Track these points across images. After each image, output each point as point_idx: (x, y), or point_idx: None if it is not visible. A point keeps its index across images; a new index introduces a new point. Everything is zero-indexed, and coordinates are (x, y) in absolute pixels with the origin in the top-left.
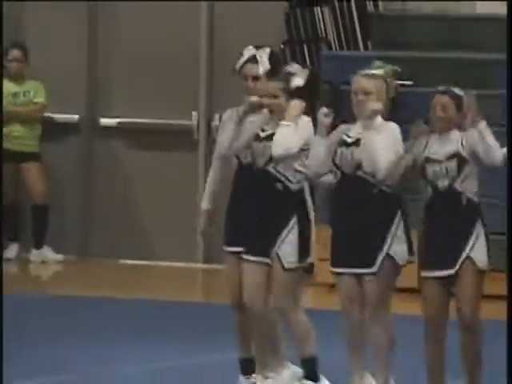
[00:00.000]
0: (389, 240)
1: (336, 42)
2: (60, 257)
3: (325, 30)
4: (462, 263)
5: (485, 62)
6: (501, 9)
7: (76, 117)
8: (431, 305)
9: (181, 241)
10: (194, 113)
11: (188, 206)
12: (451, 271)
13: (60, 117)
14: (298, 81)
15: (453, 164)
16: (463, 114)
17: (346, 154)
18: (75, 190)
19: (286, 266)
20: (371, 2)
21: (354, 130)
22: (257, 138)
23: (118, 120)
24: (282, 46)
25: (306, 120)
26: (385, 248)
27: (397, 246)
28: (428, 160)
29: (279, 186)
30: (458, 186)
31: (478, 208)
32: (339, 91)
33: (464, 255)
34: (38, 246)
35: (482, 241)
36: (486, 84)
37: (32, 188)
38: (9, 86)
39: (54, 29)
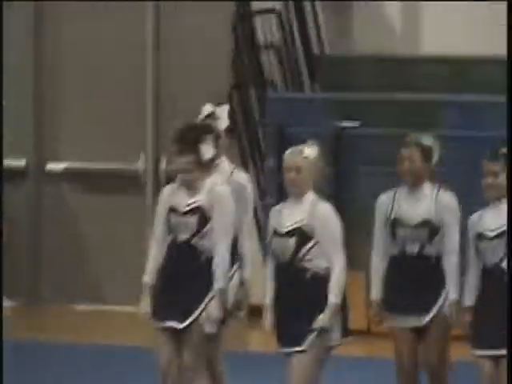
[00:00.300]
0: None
1: (282, 84)
2: (9, 304)
3: (271, 72)
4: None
5: (429, 102)
6: (445, 50)
7: (23, 162)
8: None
9: (130, 285)
10: (141, 156)
11: (136, 249)
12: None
13: (7, 162)
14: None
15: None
16: None
17: (281, 244)
18: (24, 236)
19: (207, 330)
20: (317, 45)
21: (286, 213)
22: (177, 212)
23: (65, 164)
24: (229, 90)
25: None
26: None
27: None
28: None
29: (203, 258)
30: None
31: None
32: (285, 134)
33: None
34: None
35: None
36: (430, 124)
37: None
38: None
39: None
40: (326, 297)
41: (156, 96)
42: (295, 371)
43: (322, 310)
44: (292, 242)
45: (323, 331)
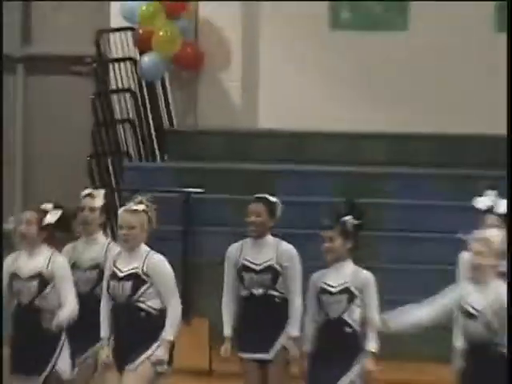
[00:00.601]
0: None
1: (136, 154)
2: None
3: (126, 144)
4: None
5: (265, 172)
6: (280, 125)
7: None
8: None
9: None
10: (10, 217)
11: None
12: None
13: None
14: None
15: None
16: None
17: (118, 287)
18: None
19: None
20: (167, 120)
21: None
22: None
23: None
24: (88, 159)
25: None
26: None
27: None
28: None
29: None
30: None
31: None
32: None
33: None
34: None
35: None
36: (267, 191)
37: None
38: None
39: None
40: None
41: (25, 159)
42: None
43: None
44: (128, 285)
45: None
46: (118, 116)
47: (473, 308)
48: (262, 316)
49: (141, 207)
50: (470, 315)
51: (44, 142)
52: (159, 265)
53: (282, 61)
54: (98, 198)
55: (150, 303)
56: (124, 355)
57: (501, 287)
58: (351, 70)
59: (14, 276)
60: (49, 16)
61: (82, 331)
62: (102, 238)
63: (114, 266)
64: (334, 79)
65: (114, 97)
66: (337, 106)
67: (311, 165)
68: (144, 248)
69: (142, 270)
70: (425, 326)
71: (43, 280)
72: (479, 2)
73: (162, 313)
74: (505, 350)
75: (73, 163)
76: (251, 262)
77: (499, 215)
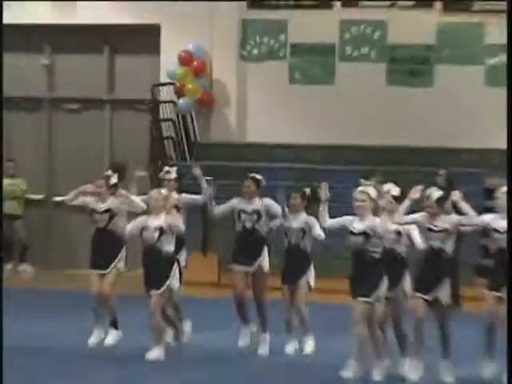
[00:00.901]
0: None
1: (176, 157)
2: None
3: (170, 151)
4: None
5: (248, 167)
6: (261, 139)
7: None
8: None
9: None
10: None
11: None
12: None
13: None
14: None
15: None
16: None
17: None
18: None
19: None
20: (193, 136)
21: None
22: None
23: None
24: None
25: None
26: None
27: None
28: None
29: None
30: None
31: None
32: None
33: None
34: None
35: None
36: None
37: None
38: None
39: None
40: None
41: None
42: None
43: None
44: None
45: None
46: (164, 135)
47: (354, 228)
48: (251, 241)
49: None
50: (353, 233)
51: (125, 151)
52: None
53: (260, 102)
54: (173, 173)
55: None
56: None
57: (373, 220)
58: (301, 108)
59: (144, 228)
60: (124, 71)
61: None
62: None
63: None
64: (292, 115)
65: (162, 124)
66: (293, 129)
67: (277, 163)
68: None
69: None
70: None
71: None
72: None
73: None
74: (377, 256)
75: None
76: (245, 209)
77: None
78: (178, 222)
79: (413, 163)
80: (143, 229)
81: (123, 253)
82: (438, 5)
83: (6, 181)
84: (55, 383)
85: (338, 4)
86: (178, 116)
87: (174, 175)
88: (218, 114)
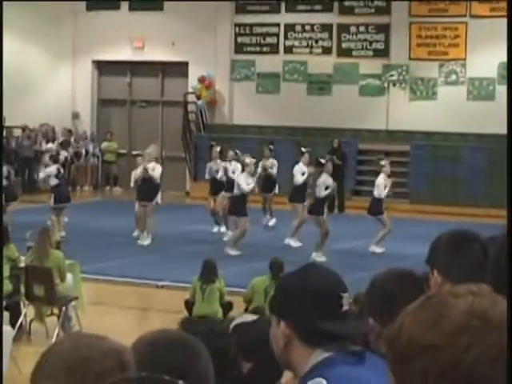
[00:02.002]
0: None
1: (197, 132)
2: None
3: (194, 129)
4: None
5: (231, 138)
6: (241, 122)
7: None
8: None
9: None
10: None
11: None
12: None
13: None
14: None
15: None
16: None
17: None
18: None
19: None
20: (206, 120)
21: None
22: None
23: None
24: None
25: None
26: None
27: None
28: None
29: None
30: None
31: None
32: None
33: None
34: None
35: None
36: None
37: None
38: None
39: None
40: None
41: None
42: None
43: None
44: None
45: None
46: (190, 120)
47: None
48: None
49: None
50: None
51: (169, 129)
52: None
53: (240, 103)
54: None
55: None
56: None
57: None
58: (262, 107)
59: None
60: (170, 85)
61: None
62: None
63: None
64: (257, 111)
65: (189, 114)
66: (257, 118)
67: (249, 135)
68: None
69: None
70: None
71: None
72: None
73: None
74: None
75: (171, 142)
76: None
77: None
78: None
79: (315, 135)
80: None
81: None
82: (334, 51)
83: (105, 143)
84: None
85: (282, 50)
86: (197, 110)
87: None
88: (218, 109)
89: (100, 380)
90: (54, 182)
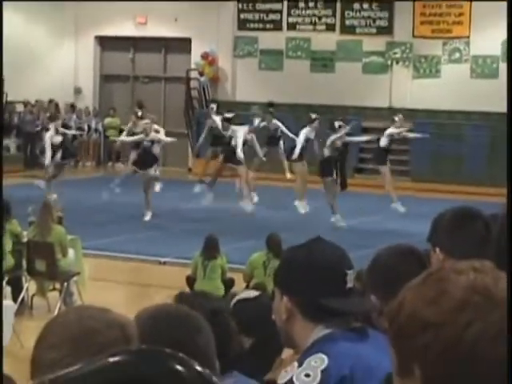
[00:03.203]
0: None
1: (200, 107)
2: None
3: (197, 105)
4: None
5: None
6: (243, 99)
7: None
8: None
9: None
10: None
11: None
12: None
13: None
14: None
15: None
16: None
17: None
18: None
19: None
20: (209, 96)
21: None
22: None
23: None
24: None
25: None
26: None
27: None
28: None
29: None
30: None
31: None
32: None
33: None
34: None
35: None
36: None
37: None
38: None
39: None
40: None
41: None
42: None
43: None
44: None
45: None
46: (192, 96)
47: None
48: None
49: None
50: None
51: (171, 105)
52: None
53: (242, 79)
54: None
55: None
56: None
57: None
58: (264, 83)
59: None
60: (173, 61)
61: None
62: None
63: None
64: (259, 87)
65: (191, 90)
66: (258, 94)
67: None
68: None
69: None
70: None
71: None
72: None
73: None
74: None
75: (174, 118)
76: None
77: None
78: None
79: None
80: None
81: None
82: (337, 28)
83: (108, 118)
84: None
85: (285, 27)
86: (200, 86)
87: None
88: (221, 86)
89: (103, 352)
90: (58, 138)
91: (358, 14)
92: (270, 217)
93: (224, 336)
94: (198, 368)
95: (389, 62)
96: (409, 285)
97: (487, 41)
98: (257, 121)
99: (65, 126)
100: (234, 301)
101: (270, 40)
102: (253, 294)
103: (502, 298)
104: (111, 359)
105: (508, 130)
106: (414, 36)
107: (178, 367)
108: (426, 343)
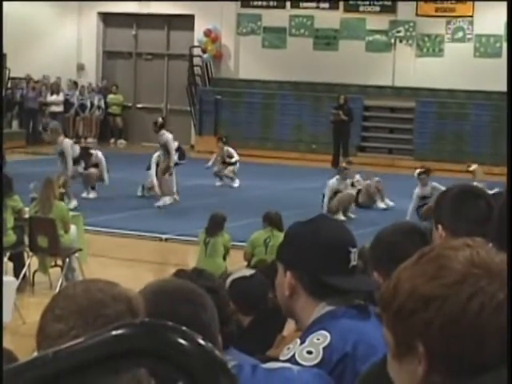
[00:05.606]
0: None
1: (202, 85)
2: None
3: (199, 83)
4: None
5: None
6: (246, 76)
7: None
8: None
9: None
10: None
11: None
12: None
13: None
14: None
15: None
16: None
17: None
18: None
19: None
20: (211, 74)
21: None
22: None
23: None
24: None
25: None
26: None
27: None
28: None
29: None
30: None
31: None
32: None
33: None
34: None
35: None
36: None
37: None
38: None
39: None
40: None
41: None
42: None
43: None
44: None
45: None
46: (195, 73)
47: None
48: None
49: None
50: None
51: (174, 82)
52: None
53: (246, 57)
54: None
55: None
56: None
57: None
58: (267, 61)
59: None
60: (176, 38)
61: None
62: None
63: None
64: (262, 65)
65: (194, 67)
66: (262, 72)
67: (253, 89)
68: None
69: None
70: None
71: None
72: None
73: None
74: None
75: (176, 96)
76: None
77: None
78: None
79: (321, 91)
80: None
81: None
82: (341, 6)
83: (111, 95)
84: None
85: (288, 5)
86: (203, 63)
87: None
88: (224, 63)
89: (110, 324)
90: (76, 150)
91: None
92: (268, 195)
93: (222, 315)
94: (201, 341)
95: (392, 41)
96: (402, 265)
97: (491, 20)
98: None
99: (67, 102)
100: (230, 280)
101: (274, 18)
102: (248, 272)
103: (500, 271)
104: (114, 332)
105: (508, 110)
106: (417, 14)
107: (181, 340)
108: (428, 318)
